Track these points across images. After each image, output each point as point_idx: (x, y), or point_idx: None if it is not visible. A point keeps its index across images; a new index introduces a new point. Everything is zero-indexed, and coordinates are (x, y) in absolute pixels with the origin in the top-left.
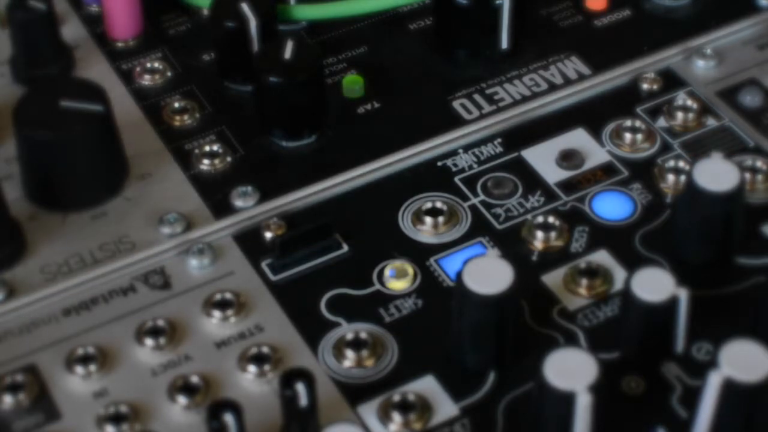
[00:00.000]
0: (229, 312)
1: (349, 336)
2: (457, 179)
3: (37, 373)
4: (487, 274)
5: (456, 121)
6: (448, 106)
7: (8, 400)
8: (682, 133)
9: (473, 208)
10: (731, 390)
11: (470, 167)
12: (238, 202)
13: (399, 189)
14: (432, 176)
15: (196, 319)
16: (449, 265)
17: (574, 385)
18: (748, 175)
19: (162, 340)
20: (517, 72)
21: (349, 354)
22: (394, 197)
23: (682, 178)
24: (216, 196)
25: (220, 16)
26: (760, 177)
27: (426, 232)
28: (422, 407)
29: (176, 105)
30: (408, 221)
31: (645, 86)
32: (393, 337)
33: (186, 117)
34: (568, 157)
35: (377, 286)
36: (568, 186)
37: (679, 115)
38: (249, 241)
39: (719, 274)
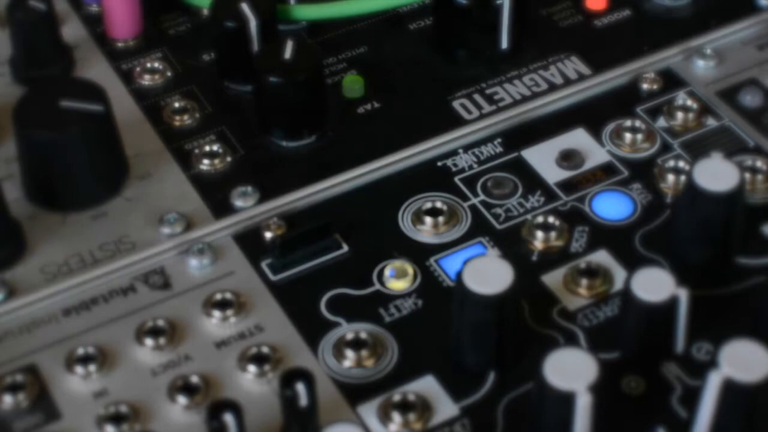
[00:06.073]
0: (229, 312)
1: (349, 336)
2: (457, 179)
3: (37, 373)
4: (487, 274)
5: (456, 121)
6: (448, 106)
7: (8, 400)
8: (682, 133)
9: (473, 208)
10: (731, 390)
11: (470, 167)
12: (238, 202)
13: (399, 189)
14: (432, 176)
15: (196, 319)
16: (449, 265)
17: (574, 385)
18: (748, 175)
19: (162, 340)
20: (517, 72)
21: (349, 354)
22: (394, 197)
23: (682, 178)
24: (216, 196)
25: (220, 16)
26: (760, 177)
27: (426, 232)
28: (422, 407)
29: (176, 105)
30: (408, 221)
31: (645, 86)
32: (393, 337)
33: (186, 117)
34: (568, 157)
35: (377, 286)
36: (568, 186)
37: (679, 115)
38: (249, 241)
39: (719, 274)
